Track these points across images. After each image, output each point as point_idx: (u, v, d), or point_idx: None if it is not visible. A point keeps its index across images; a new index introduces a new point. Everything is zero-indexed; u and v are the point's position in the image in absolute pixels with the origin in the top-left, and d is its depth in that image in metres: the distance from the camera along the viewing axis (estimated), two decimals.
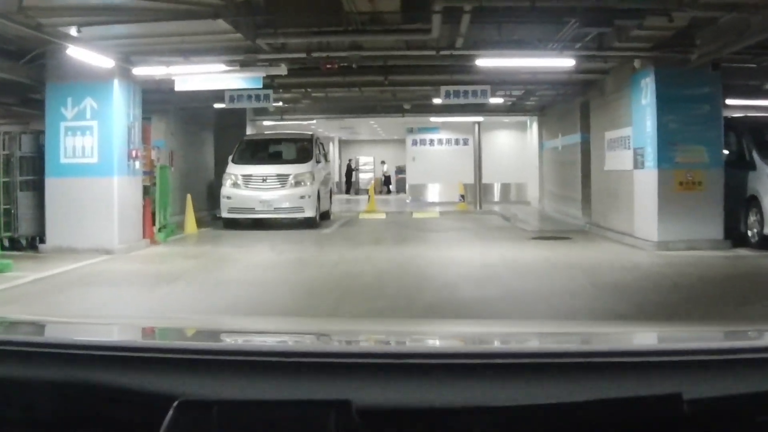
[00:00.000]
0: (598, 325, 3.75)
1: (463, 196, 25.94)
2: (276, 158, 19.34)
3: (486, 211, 24.89)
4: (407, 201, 31.17)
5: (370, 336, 2.06)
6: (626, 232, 14.38)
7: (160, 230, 15.80)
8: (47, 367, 1.33)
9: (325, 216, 20.06)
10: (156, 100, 17.75)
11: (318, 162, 19.35)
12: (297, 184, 17.95)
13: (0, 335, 1.77)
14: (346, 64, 14.74)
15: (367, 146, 46.27)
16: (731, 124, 13.88)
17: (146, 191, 15.16)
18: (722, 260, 11.90)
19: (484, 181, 27.32)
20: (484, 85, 16.20)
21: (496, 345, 1.86)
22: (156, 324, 2.41)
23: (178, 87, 14.40)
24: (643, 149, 13.59)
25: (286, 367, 1.30)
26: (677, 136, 13.03)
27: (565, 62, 12.75)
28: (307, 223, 17.97)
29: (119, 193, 13.54)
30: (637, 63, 13.51)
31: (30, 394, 1.30)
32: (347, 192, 42.69)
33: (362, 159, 46.28)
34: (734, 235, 13.02)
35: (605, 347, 1.68)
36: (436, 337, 2.14)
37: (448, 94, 16.36)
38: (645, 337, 2.00)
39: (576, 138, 19.28)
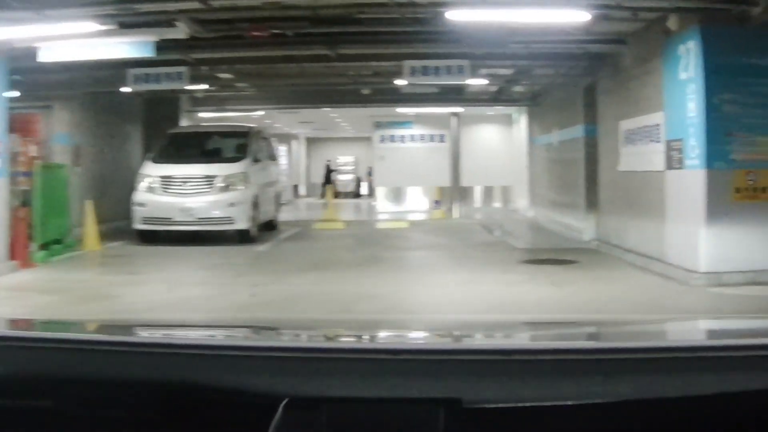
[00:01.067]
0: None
1: (438, 202, 22.22)
2: (203, 156, 15.63)
3: (465, 220, 20.99)
4: (374, 206, 27.20)
5: (478, 332, 2.04)
6: (653, 255, 10.69)
7: (46, 247, 12.50)
8: (152, 368, 1.30)
9: (270, 226, 16.67)
10: (58, 83, 14.44)
11: (257, 161, 15.70)
12: (226, 188, 14.39)
13: (102, 336, 1.73)
14: (279, 31, 11.08)
15: (336, 145, 42.19)
16: None
17: (24, 198, 12.30)
18: None
19: (463, 183, 23.63)
20: (462, 60, 12.21)
21: (571, 342, 1.74)
22: (258, 323, 2.47)
23: (43, 57, 10.48)
24: (681, 142, 9.84)
25: (395, 364, 1.26)
26: (734, 123, 9.30)
27: (577, 16, 8.77)
28: (241, 237, 14.28)
29: None
30: (672, 23, 9.72)
31: (136, 396, 1.27)
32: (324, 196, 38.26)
33: (341, 159, 41.97)
34: None
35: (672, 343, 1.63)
36: (542, 333, 2.06)
37: (414, 72, 12.25)
38: (699, 331, 1.96)
39: (578, 131, 15.46)
